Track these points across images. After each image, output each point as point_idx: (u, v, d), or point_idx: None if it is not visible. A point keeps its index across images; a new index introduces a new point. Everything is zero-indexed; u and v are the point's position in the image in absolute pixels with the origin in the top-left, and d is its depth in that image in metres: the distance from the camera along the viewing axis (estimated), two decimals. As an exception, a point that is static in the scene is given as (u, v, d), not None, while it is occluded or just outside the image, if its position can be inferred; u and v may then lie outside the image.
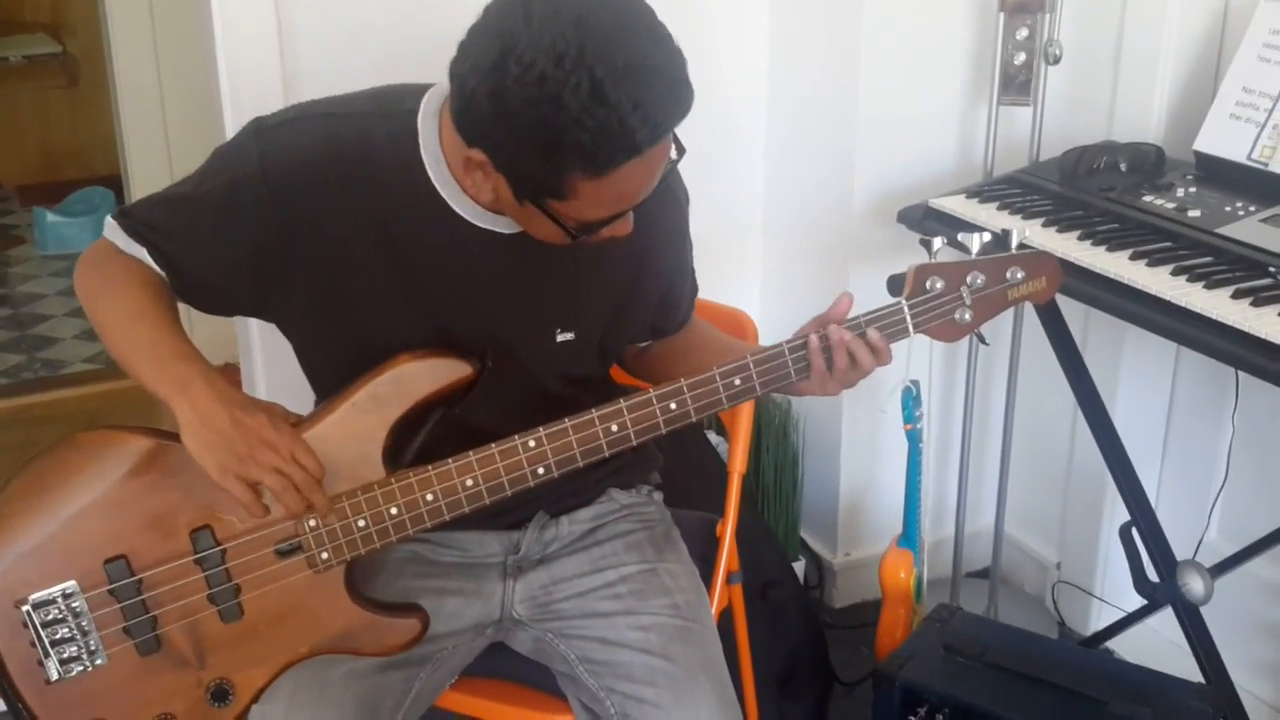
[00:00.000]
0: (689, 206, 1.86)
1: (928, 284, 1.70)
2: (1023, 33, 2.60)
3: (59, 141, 6.23)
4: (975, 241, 1.73)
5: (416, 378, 1.63)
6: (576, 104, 1.40)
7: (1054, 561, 3.08)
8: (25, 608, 1.59)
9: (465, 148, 1.52)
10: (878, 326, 1.68)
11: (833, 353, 1.66)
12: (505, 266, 1.69)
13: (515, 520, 1.86)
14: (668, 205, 1.78)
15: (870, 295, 2.44)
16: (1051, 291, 1.77)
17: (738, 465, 2.12)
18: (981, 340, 1.80)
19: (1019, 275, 1.72)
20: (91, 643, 1.61)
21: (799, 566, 3.06)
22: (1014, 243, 1.74)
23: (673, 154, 1.56)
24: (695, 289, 1.95)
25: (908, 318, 1.70)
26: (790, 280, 3.13)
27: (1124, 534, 2.47)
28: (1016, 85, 2.64)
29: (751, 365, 1.66)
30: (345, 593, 1.65)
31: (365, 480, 1.62)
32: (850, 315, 1.69)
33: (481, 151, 1.51)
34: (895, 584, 2.68)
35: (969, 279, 1.70)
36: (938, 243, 1.75)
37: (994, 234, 1.76)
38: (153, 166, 4.45)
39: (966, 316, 1.72)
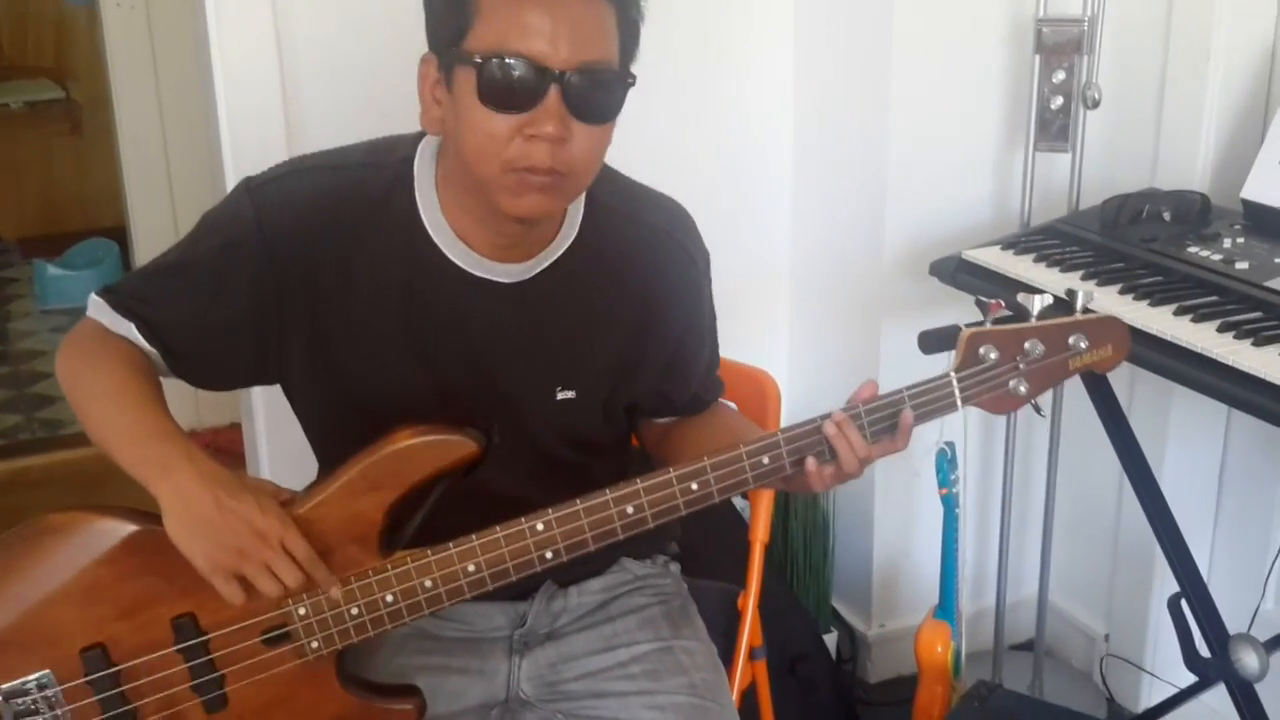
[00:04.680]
0: (709, 270, 1.84)
1: (980, 351, 1.63)
2: (1060, 75, 2.59)
3: (62, 191, 6.26)
4: (1036, 304, 1.65)
5: (415, 458, 1.59)
6: None
7: (1102, 633, 3.05)
8: None
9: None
10: (921, 401, 1.63)
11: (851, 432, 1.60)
12: (503, 318, 1.69)
13: (521, 590, 1.84)
14: (675, 258, 1.78)
15: (902, 351, 2.45)
16: (1118, 359, 1.69)
17: (760, 534, 2.11)
18: (1037, 411, 1.73)
19: (1082, 344, 1.66)
20: None
21: (830, 639, 3.03)
22: (1079, 306, 1.67)
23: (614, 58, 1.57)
24: (715, 362, 1.92)
25: (956, 391, 1.64)
26: (820, 337, 3.13)
27: (1173, 606, 2.44)
28: (1054, 130, 2.64)
29: (782, 443, 1.61)
30: (336, 680, 1.64)
31: (360, 565, 1.60)
32: (887, 388, 1.64)
33: (428, 50, 1.60)
34: (931, 658, 2.66)
35: (1026, 346, 1.64)
36: (995, 305, 1.67)
37: (1057, 297, 1.67)
38: (156, 217, 4.48)
39: (1022, 389, 1.64)
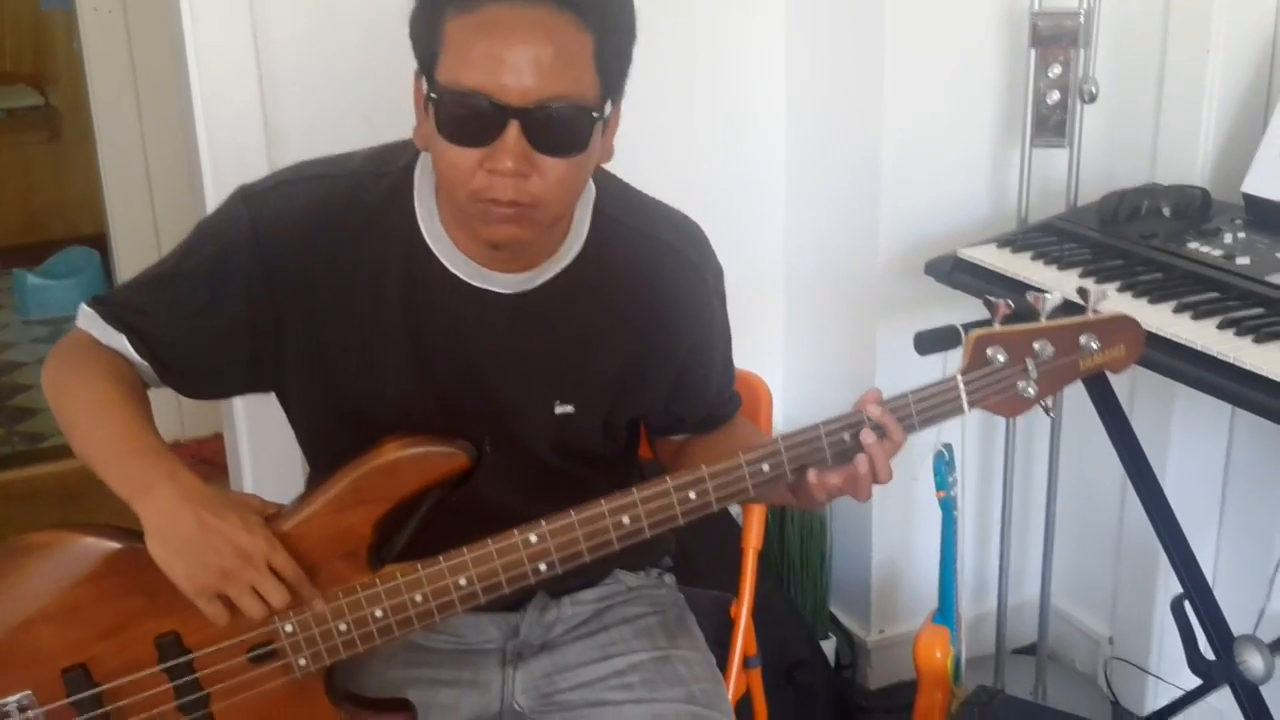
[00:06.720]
0: (721, 287, 1.82)
1: (988, 353, 1.61)
2: (1056, 70, 2.59)
3: (42, 199, 6.25)
4: (1046, 304, 1.63)
5: (404, 471, 1.58)
6: None
7: (1106, 636, 3.05)
8: None
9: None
10: (927, 405, 1.61)
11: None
12: (501, 328, 1.68)
13: (513, 601, 1.84)
14: (683, 274, 1.76)
15: (898, 352, 2.45)
16: (1130, 360, 1.67)
17: (753, 540, 2.10)
18: (1046, 410, 1.72)
19: (1094, 344, 1.64)
20: None
21: (829, 646, 3.03)
22: (1090, 305, 1.65)
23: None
24: (730, 379, 1.90)
25: (963, 394, 1.61)
26: (814, 339, 3.13)
27: (1176, 609, 2.44)
28: (1050, 126, 2.63)
29: (783, 450, 1.59)
30: (325, 696, 1.63)
31: (348, 580, 1.58)
32: (883, 389, 1.62)
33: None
34: (931, 665, 2.66)
35: (1036, 348, 1.62)
36: (1002, 305, 1.64)
37: (1066, 298, 1.64)
38: (137, 224, 4.46)
39: (1030, 390, 1.62)
